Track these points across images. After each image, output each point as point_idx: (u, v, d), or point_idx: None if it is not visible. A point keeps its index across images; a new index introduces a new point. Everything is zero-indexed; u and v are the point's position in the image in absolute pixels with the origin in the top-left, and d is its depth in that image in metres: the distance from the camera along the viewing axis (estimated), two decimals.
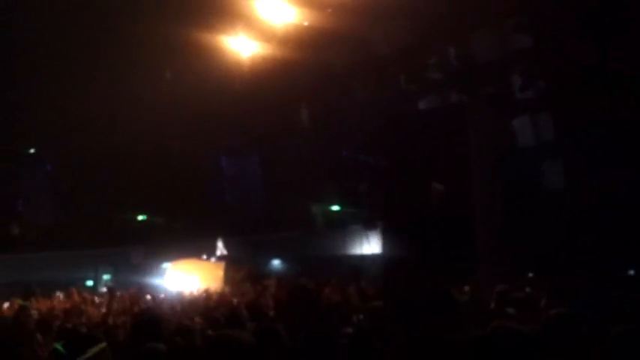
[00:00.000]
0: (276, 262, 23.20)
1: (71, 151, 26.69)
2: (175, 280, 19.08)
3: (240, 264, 20.37)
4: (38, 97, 25.68)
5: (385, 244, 18.76)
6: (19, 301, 13.16)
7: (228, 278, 18.77)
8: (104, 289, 21.92)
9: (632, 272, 11.51)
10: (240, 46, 21.05)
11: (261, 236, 24.39)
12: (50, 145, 28.15)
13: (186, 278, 18.77)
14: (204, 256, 20.64)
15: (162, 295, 16.62)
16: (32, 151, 29.57)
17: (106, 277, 24.19)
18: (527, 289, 9.39)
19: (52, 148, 28.33)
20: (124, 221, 27.74)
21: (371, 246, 21.60)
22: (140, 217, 27.83)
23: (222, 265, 19.90)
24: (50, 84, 25.16)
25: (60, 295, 16.17)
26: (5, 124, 25.90)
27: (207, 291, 15.46)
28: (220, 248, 20.97)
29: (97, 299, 15.32)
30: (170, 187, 25.91)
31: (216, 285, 17.25)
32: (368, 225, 22.24)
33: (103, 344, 4.68)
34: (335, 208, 24.53)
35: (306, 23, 20.35)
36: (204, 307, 11.93)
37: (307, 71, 22.32)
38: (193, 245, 21.66)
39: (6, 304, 14.14)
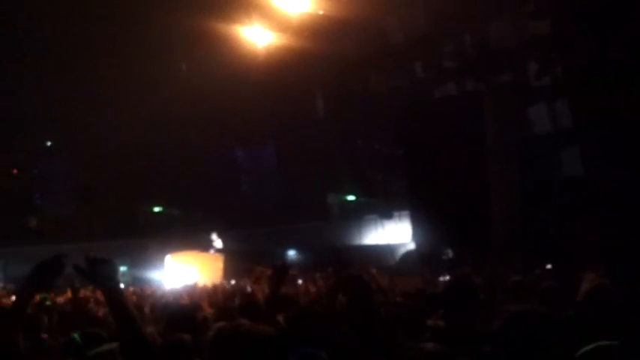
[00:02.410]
0: (291, 253, 23.16)
1: (88, 143, 26.75)
2: (174, 272, 19.03)
3: (245, 255, 20.33)
4: (54, 90, 25.71)
5: (415, 233, 18.72)
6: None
7: (228, 270, 18.72)
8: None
9: None
10: (256, 36, 20.96)
11: (276, 227, 24.35)
12: (67, 138, 28.25)
13: (185, 270, 18.72)
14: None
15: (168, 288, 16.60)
16: (49, 143, 29.67)
17: (122, 269, 24.14)
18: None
19: (68, 141, 28.42)
20: (140, 213, 27.79)
21: (387, 235, 21.53)
22: (156, 209, 27.86)
23: (221, 257, 19.86)
24: (66, 76, 25.17)
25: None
26: (22, 117, 26.00)
27: (220, 282, 15.44)
28: (217, 240, 20.88)
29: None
30: (186, 179, 25.93)
31: (216, 277, 17.19)
32: (383, 214, 22.17)
33: (115, 344, 4.62)
34: (350, 198, 24.44)
35: (321, 12, 20.24)
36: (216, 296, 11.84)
37: (323, 61, 22.22)
38: (209, 237, 21.65)
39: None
